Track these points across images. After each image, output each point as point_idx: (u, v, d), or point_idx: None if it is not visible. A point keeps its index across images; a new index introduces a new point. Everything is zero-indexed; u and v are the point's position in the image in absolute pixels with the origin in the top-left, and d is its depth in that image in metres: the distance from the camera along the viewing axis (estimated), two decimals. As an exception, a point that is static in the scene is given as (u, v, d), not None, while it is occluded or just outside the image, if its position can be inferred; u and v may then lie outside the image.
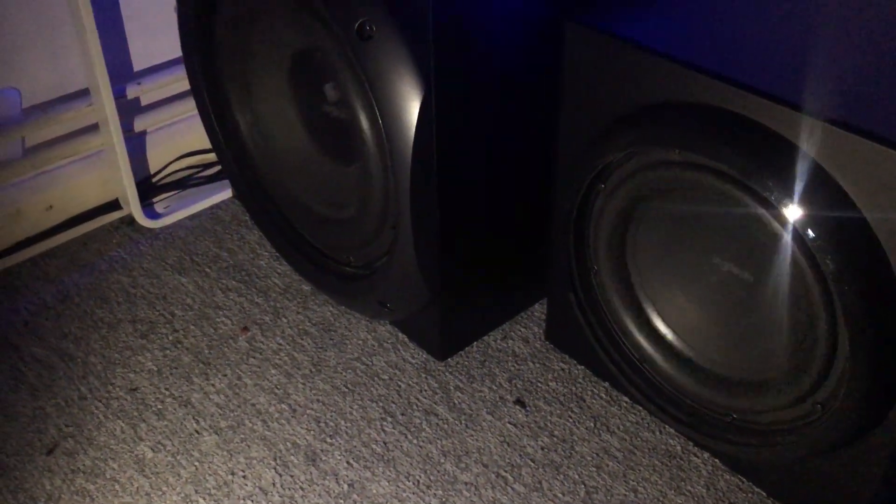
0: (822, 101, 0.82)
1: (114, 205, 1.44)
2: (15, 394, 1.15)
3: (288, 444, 1.09)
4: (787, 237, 0.83)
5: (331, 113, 1.18)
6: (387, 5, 0.92)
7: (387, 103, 0.96)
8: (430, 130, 0.96)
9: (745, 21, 0.97)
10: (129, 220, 1.44)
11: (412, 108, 0.95)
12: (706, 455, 1.07)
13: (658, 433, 1.10)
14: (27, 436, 1.10)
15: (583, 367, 1.18)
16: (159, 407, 1.14)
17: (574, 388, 1.16)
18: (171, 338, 1.24)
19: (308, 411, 1.13)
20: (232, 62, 1.21)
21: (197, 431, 1.11)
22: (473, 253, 1.13)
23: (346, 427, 1.11)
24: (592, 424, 1.11)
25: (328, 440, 1.10)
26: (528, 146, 1.10)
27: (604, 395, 1.15)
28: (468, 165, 1.04)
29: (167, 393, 1.16)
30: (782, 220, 0.82)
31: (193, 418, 1.12)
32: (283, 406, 1.14)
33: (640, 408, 1.12)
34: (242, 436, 1.10)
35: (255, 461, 1.07)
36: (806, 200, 0.80)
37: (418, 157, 0.97)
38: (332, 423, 1.12)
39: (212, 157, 1.53)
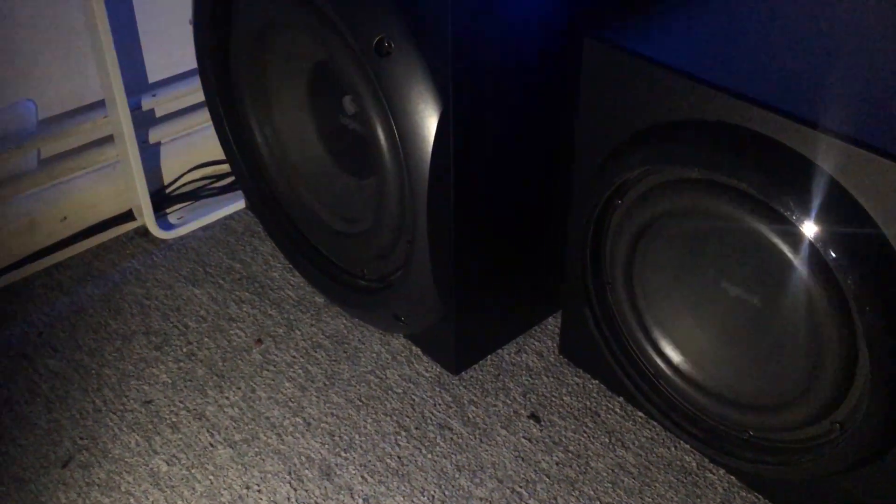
0: (841, 118, 0.82)
1: (128, 216, 1.45)
2: (30, 406, 1.15)
3: (302, 457, 1.09)
4: (805, 256, 0.83)
5: (348, 125, 1.18)
6: (405, 22, 0.92)
7: (404, 119, 0.96)
8: (448, 146, 0.96)
9: (763, 38, 0.97)
10: (143, 231, 1.44)
11: (430, 125, 0.95)
12: (722, 472, 1.06)
13: (673, 449, 1.09)
14: (42, 448, 1.10)
15: (597, 381, 1.18)
16: (174, 420, 1.14)
17: (588, 403, 1.16)
18: (185, 350, 1.24)
19: (322, 425, 1.13)
20: (248, 75, 1.21)
21: (211, 444, 1.11)
22: (489, 267, 1.13)
23: (361, 441, 1.11)
24: (607, 440, 1.11)
25: (343, 454, 1.10)
26: (544, 161, 1.10)
27: (618, 410, 1.14)
28: (485, 180, 1.04)
29: (181, 405, 1.16)
30: (801, 240, 0.82)
31: (208, 431, 1.12)
32: (298, 419, 1.14)
33: (655, 423, 1.12)
34: (257, 449, 1.10)
35: (269, 475, 1.07)
36: (826, 219, 0.80)
37: (435, 173, 0.97)
38: (346, 437, 1.12)
39: (224, 167, 1.53)
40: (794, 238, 0.83)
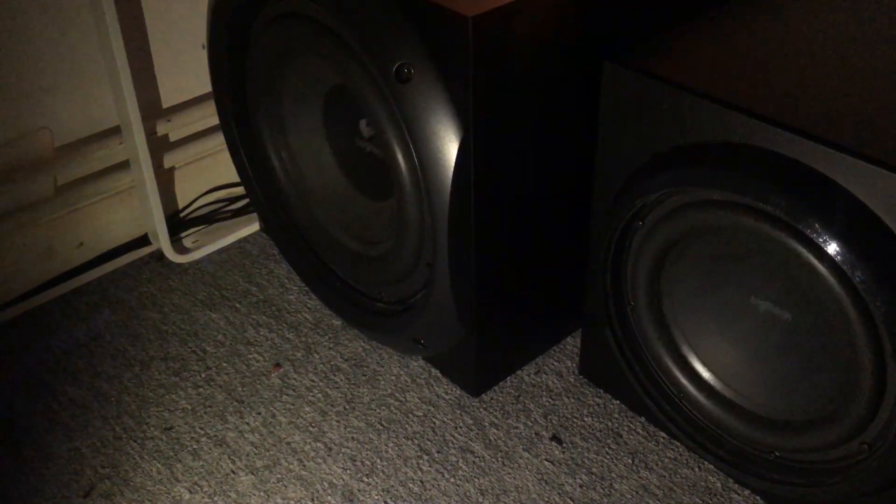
0: (866, 140, 0.82)
1: (143, 240, 1.45)
2: (50, 434, 1.15)
3: (325, 483, 1.09)
4: (833, 278, 0.82)
5: (365, 148, 1.18)
6: (425, 48, 0.93)
7: (424, 145, 0.96)
8: (469, 171, 0.96)
9: (783, 59, 0.97)
10: (159, 256, 1.44)
11: (450, 150, 0.95)
12: (747, 493, 1.06)
13: (697, 470, 1.09)
14: (64, 478, 1.09)
15: (618, 401, 1.18)
16: (194, 447, 1.14)
17: (610, 424, 1.15)
18: (203, 375, 1.24)
19: (343, 450, 1.13)
20: (264, 99, 1.21)
21: (233, 471, 1.10)
22: (509, 290, 1.13)
23: (383, 466, 1.11)
24: (630, 461, 1.10)
25: (365, 479, 1.09)
26: (565, 183, 1.10)
27: (641, 431, 1.14)
28: (506, 205, 1.04)
29: (202, 432, 1.16)
30: (828, 262, 0.82)
31: (229, 458, 1.12)
32: (319, 444, 1.14)
33: (678, 444, 1.11)
34: (279, 475, 1.10)
35: (292, 502, 1.07)
36: (853, 242, 0.80)
37: (456, 198, 0.97)
38: (368, 462, 1.11)
39: (238, 190, 1.54)
40: (822, 258, 0.82)
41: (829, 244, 0.81)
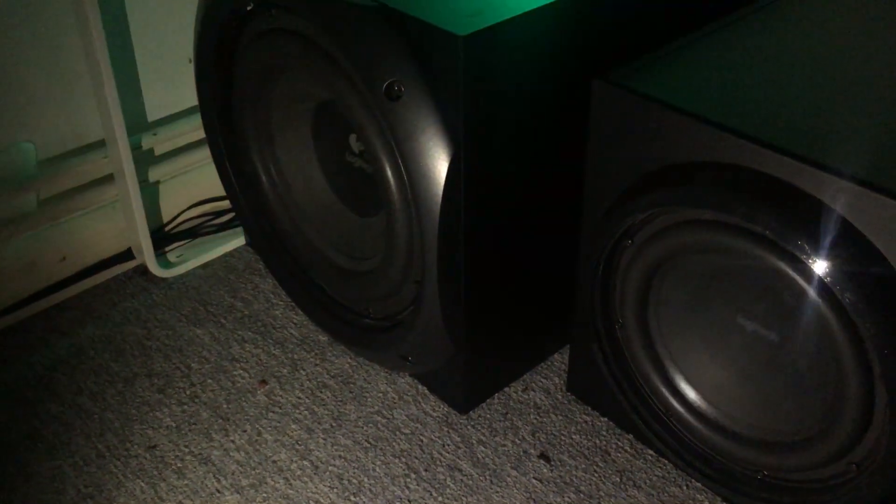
0: (853, 160, 0.82)
1: (127, 255, 1.43)
2: (32, 453, 1.13)
3: (311, 502, 1.08)
4: (821, 299, 0.83)
5: (354, 164, 1.18)
6: (416, 66, 0.92)
7: (414, 162, 0.95)
8: (459, 189, 0.96)
9: (772, 79, 0.97)
10: (143, 270, 1.43)
11: (440, 168, 0.95)
12: (735, 510, 1.06)
13: (685, 488, 1.09)
14: (45, 497, 1.08)
15: (606, 419, 1.18)
16: (179, 465, 1.12)
17: (598, 442, 1.15)
18: (188, 392, 1.23)
19: (330, 468, 1.12)
20: (252, 113, 1.21)
21: (218, 490, 1.09)
22: (498, 307, 1.13)
23: (370, 484, 1.10)
24: (619, 479, 1.10)
25: (352, 498, 1.08)
26: (555, 201, 1.10)
27: (629, 448, 1.14)
28: (496, 222, 1.04)
29: (186, 450, 1.14)
30: (817, 282, 0.82)
31: (214, 476, 1.11)
32: (305, 462, 1.13)
33: (666, 461, 1.11)
34: (265, 494, 1.09)
35: (278, 521, 1.06)
36: (842, 263, 0.80)
37: (446, 216, 0.97)
38: (355, 481, 1.10)
39: (224, 204, 1.52)
40: (810, 279, 0.83)
41: (818, 265, 0.81)
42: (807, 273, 0.83)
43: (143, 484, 1.10)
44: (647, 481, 1.10)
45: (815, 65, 1.00)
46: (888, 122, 0.90)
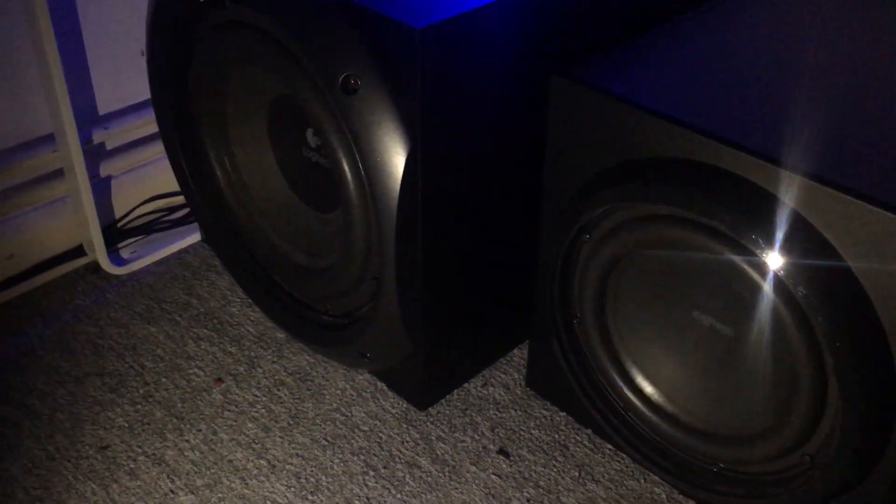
0: (807, 156, 0.83)
1: (78, 251, 1.40)
2: (-22, 455, 1.10)
3: (268, 502, 1.06)
4: (775, 293, 0.84)
5: (311, 158, 1.16)
6: (373, 59, 0.91)
7: (371, 157, 0.94)
8: (416, 184, 0.95)
9: (729, 76, 0.98)
10: (95, 268, 1.40)
11: (398, 163, 0.94)
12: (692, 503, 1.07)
13: (643, 481, 1.09)
14: (-8, 501, 1.05)
15: (565, 414, 1.18)
16: (132, 466, 1.10)
17: (557, 436, 1.15)
18: (141, 391, 1.20)
19: (287, 466, 1.11)
20: (207, 107, 1.19)
21: (172, 491, 1.07)
22: (457, 303, 1.12)
23: (328, 483, 1.09)
24: (577, 474, 1.10)
25: (310, 497, 1.07)
26: (514, 196, 1.10)
27: (587, 443, 1.14)
28: (454, 217, 1.03)
29: (139, 450, 1.12)
30: (770, 276, 0.83)
31: (168, 477, 1.09)
32: (262, 462, 1.11)
33: (624, 455, 1.12)
34: (220, 495, 1.07)
35: (234, 521, 1.04)
36: (796, 257, 0.81)
37: (403, 211, 0.96)
38: (312, 479, 1.09)
39: (178, 200, 1.50)
40: (764, 273, 0.84)
41: (772, 259, 0.82)
42: (761, 267, 0.83)
43: (94, 485, 1.07)
44: (606, 475, 1.10)
45: (771, 61, 1.01)
46: (842, 117, 0.91)
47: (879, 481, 0.87)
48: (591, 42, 1.03)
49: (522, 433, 1.16)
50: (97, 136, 1.37)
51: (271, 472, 1.10)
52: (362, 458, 1.12)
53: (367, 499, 1.07)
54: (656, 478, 1.09)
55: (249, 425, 1.16)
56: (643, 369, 1.04)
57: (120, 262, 1.40)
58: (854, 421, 0.82)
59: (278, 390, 1.21)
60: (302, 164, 1.18)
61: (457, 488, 1.08)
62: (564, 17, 1.02)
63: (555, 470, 1.11)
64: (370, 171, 0.95)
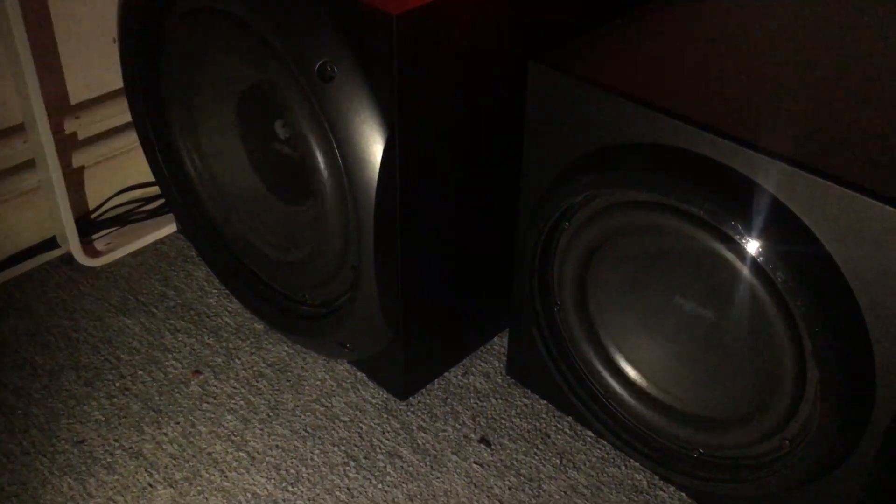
0: (786, 142, 0.83)
1: (51, 243, 1.38)
2: (-49, 452, 1.08)
3: (248, 494, 1.05)
4: (755, 278, 0.84)
5: (281, 150, 1.15)
6: (349, 46, 0.90)
7: (348, 145, 0.93)
8: (394, 172, 0.94)
9: (708, 61, 0.98)
10: (68, 259, 1.37)
11: (375, 150, 0.93)
12: (672, 489, 1.07)
13: (624, 468, 1.10)
14: (-34, 498, 1.03)
15: (545, 401, 1.18)
16: (109, 460, 1.09)
17: (538, 424, 1.15)
18: (118, 384, 1.19)
19: (267, 458, 1.10)
20: (179, 97, 1.17)
21: (150, 485, 1.06)
22: (436, 291, 1.11)
23: (308, 474, 1.08)
24: (558, 461, 1.10)
25: (290, 489, 1.06)
26: (492, 183, 1.09)
27: (568, 431, 1.14)
28: (432, 205, 1.03)
29: (116, 444, 1.11)
30: (750, 262, 0.83)
31: (146, 471, 1.07)
32: (241, 454, 1.10)
33: (605, 442, 1.12)
34: (199, 487, 1.06)
35: (214, 514, 1.03)
36: (775, 243, 0.81)
37: (381, 199, 0.95)
38: (293, 471, 1.08)
39: (154, 190, 1.48)
40: (744, 259, 0.84)
41: (751, 245, 0.82)
42: (740, 253, 0.83)
43: (70, 480, 1.06)
44: (587, 462, 1.10)
45: (750, 46, 1.01)
46: (820, 103, 0.91)
47: (857, 465, 0.87)
48: (570, 27, 1.02)
49: (503, 422, 1.15)
50: (69, 126, 1.34)
51: (251, 464, 1.09)
52: (343, 448, 1.11)
53: (348, 489, 1.06)
54: (637, 464, 1.09)
55: (228, 417, 1.15)
56: (625, 355, 1.04)
57: (94, 253, 1.38)
58: (832, 405, 0.82)
59: (257, 381, 1.20)
60: (271, 157, 1.17)
61: (438, 478, 1.08)
62: (542, 2, 1.01)
63: (536, 458, 1.11)
64: (347, 159, 0.94)
